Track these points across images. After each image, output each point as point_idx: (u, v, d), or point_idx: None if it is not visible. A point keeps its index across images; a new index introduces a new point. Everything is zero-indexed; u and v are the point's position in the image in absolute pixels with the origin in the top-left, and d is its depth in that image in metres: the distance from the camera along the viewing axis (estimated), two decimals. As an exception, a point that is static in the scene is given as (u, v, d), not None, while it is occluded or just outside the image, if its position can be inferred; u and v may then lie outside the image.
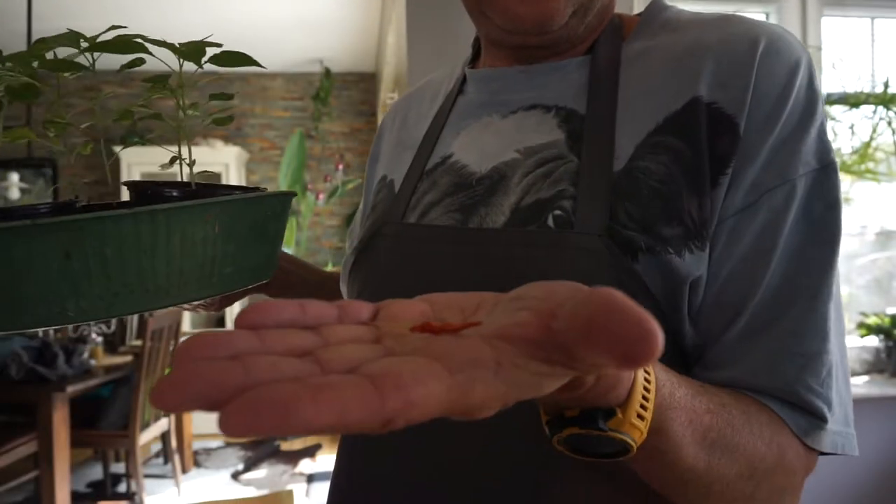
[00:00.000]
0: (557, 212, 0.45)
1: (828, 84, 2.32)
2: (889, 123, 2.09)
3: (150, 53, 0.42)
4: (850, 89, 2.22)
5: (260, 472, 3.48)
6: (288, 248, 4.05)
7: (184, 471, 3.42)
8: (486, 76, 0.57)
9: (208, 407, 0.17)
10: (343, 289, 0.64)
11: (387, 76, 3.74)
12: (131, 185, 0.44)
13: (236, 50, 0.45)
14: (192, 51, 0.42)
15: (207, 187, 0.42)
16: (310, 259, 4.79)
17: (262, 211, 0.42)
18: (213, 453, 3.82)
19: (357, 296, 0.57)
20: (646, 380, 0.32)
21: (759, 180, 0.44)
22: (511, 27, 0.50)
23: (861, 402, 2.19)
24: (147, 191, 0.42)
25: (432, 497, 0.46)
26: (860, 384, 2.21)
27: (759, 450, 0.40)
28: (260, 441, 4.02)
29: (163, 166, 0.49)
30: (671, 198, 0.44)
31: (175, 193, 0.41)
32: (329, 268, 4.24)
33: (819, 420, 0.43)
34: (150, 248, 0.36)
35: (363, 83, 4.90)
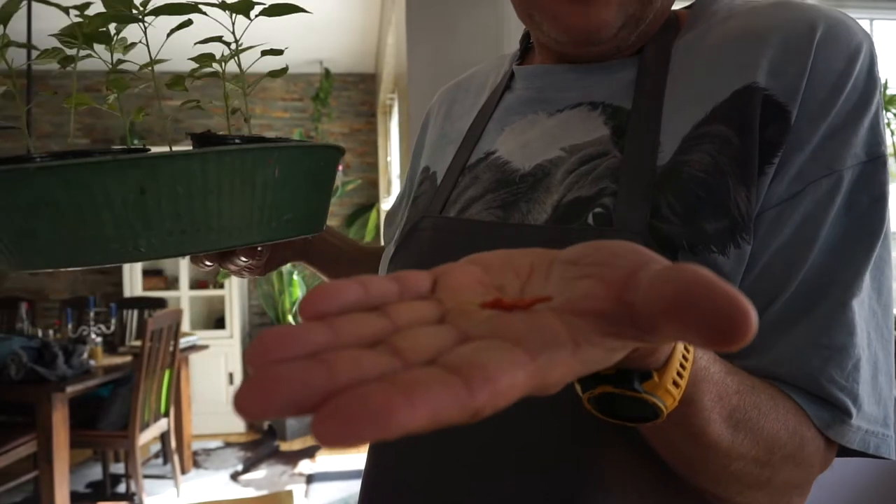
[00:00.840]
0: (598, 209, 0.45)
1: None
2: (888, 125, 2.09)
3: (203, 13, 0.45)
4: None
5: (259, 473, 3.48)
6: (287, 249, 4.06)
7: (183, 471, 3.42)
8: (534, 73, 0.56)
9: (296, 413, 0.17)
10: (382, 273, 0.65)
11: (386, 77, 3.74)
12: (195, 137, 0.46)
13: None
14: (241, 5, 0.44)
15: (265, 139, 0.44)
16: (309, 259, 4.79)
17: (317, 160, 0.44)
18: (213, 454, 3.82)
19: None
20: (685, 348, 0.32)
21: (805, 170, 0.43)
22: (559, 36, 0.49)
23: None
24: (211, 139, 0.44)
25: (459, 491, 0.46)
26: None
27: (781, 437, 0.40)
28: (259, 442, 4.02)
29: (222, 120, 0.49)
30: (717, 188, 0.43)
31: (237, 140, 0.43)
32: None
33: (842, 413, 0.42)
34: (216, 189, 0.37)
35: (363, 84, 4.90)
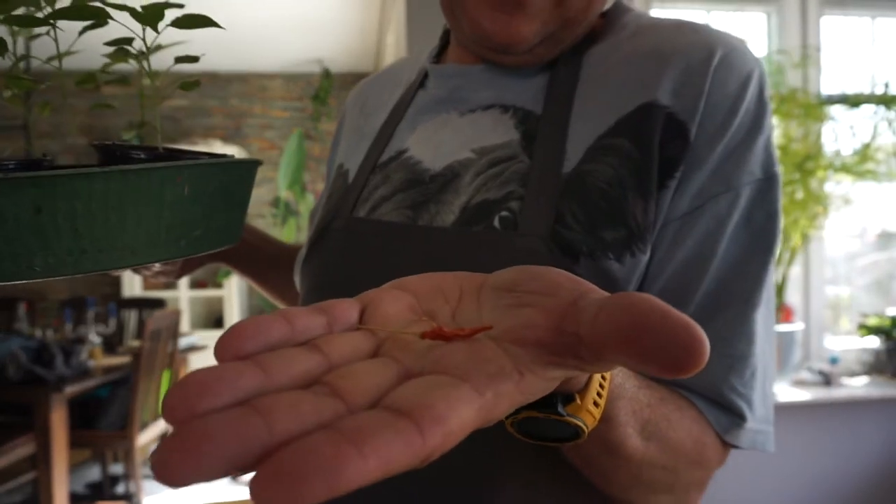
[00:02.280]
0: (504, 213, 0.46)
1: (828, 84, 2.32)
2: (889, 124, 2.09)
3: (112, 18, 0.41)
4: (850, 89, 2.22)
5: (259, 473, 3.47)
6: (287, 249, 4.05)
7: (182, 472, 3.41)
8: (448, 72, 0.56)
9: (230, 475, 0.15)
10: (296, 279, 0.64)
11: (386, 76, 3.74)
12: (99, 147, 0.43)
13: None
14: (150, 14, 0.41)
15: (174, 151, 0.42)
16: (309, 259, 4.78)
17: (230, 176, 0.42)
18: (212, 454, 3.82)
19: (308, 288, 0.56)
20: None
21: (705, 186, 0.45)
22: (477, 40, 0.50)
23: (861, 404, 2.19)
24: (115, 152, 0.42)
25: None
26: (860, 385, 2.21)
27: (686, 444, 0.42)
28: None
29: (132, 129, 0.47)
30: (617, 199, 0.44)
31: (143, 156, 0.41)
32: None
33: (739, 419, 0.45)
34: (120, 207, 0.36)
35: (362, 83, 4.90)
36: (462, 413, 0.17)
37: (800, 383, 2.20)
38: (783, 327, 2.08)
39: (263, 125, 4.82)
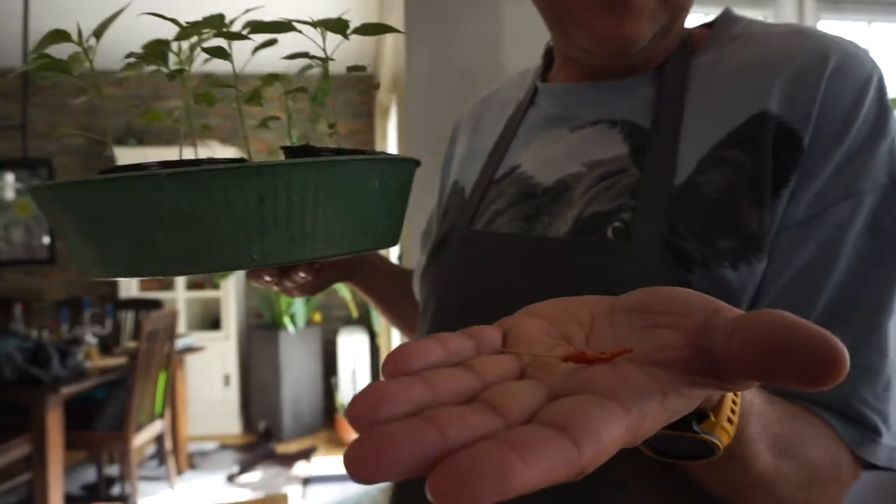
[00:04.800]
0: (617, 224, 0.47)
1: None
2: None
3: (299, 31, 0.46)
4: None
5: (255, 475, 3.46)
6: (284, 250, 4.04)
7: (178, 473, 3.40)
8: (557, 90, 0.58)
9: (410, 476, 0.17)
10: (415, 288, 0.69)
11: (384, 78, 3.74)
12: (287, 149, 0.48)
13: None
14: (335, 24, 0.45)
15: (361, 151, 0.46)
16: (306, 261, 4.77)
17: (404, 172, 0.45)
18: (209, 455, 3.81)
19: (427, 297, 0.59)
20: None
21: (823, 194, 0.44)
22: (594, 48, 0.50)
23: None
24: (308, 151, 0.45)
25: None
26: None
27: (822, 461, 0.41)
28: (255, 444, 4.00)
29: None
30: (730, 208, 0.44)
31: (330, 154, 0.44)
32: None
33: (872, 433, 0.43)
34: (325, 200, 0.38)
35: (360, 84, 4.90)
36: (613, 430, 0.19)
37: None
38: None
39: (261, 126, 4.82)
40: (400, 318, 0.79)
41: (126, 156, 4.19)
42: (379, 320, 4.30)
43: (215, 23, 0.45)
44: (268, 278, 0.59)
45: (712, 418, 0.31)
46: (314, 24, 0.44)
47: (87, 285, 4.53)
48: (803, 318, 0.35)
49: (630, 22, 0.48)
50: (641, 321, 0.24)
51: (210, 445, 4.00)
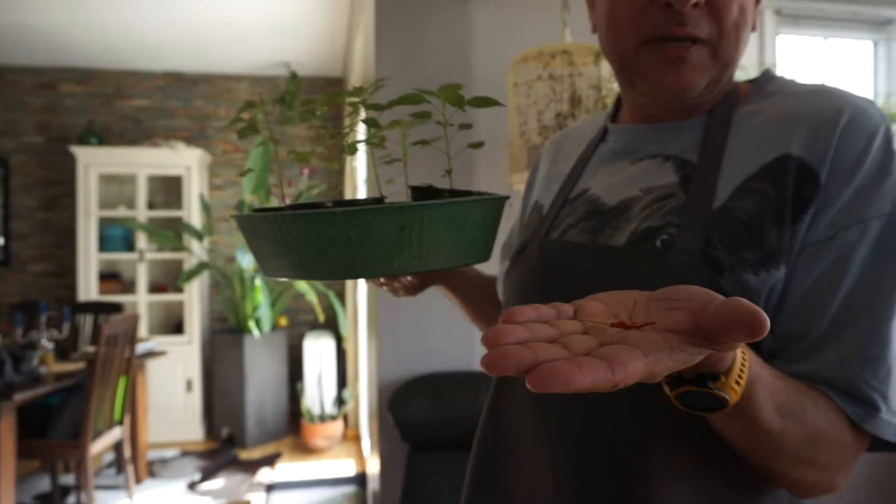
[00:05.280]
0: (664, 236, 0.59)
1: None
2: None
3: (428, 101, 0.60)
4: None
5: (217, 482, 3.40)
6: (251, 255, 3.98)
7: (138, 481, 3.32)
8: (623, 130, 0.71)
9: (516, 373, 0.31)
10: (498, 288, 0.86)
11: (354, 81, 3.72)
12: (415, 189, 0.63)
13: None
14: (452, 96, 0.59)
15: (468, 192, 0.61)
16: (273, 264, 4.71)
17: (497, 207, 0.60)
18: (169, 463, 3.72)
19: (510, 294, 0.74)
20: (742, 359, 0.44)
21: (837, 220, 0.55)
22: (656, 94, 0.63)
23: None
24: (427, 190, 0.62)
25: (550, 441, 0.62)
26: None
27: (822, 427, 0.52)
28: (217, 450, 3.93)
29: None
30: (755, 229, 0.56)
31: (448, 193, 0.60)
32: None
33: (873, 409, 0.53)
34: (444, 228, 0.53)
35: (330, 88, 4.87)
36: (636, 364, 0.31)
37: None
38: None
39: (228, 128, 4.75)
40: (480, 315, 0.95)
41: (86, 155, 4.08)
42: (346, 324, 4.27)
43: (360, 93, 0.61)
44: (382, 280, 0.75)
45: (723, 379, 0.43)
46: (439, 95, 0.59)
47: (43, 288, 4.39)
48: (817, 319, 0.52)
49: (685, 74, 0.60)
50: (664, 305, 0.37)
51: (171, 452, 3.91)
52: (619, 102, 0.77)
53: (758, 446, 0.52)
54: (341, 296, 4.64)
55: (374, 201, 0.59)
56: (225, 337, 4.10)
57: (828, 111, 0.57)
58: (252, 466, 3.64)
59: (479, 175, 2.06)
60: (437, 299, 2.08)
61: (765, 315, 0.31)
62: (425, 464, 1.88)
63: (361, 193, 3.40)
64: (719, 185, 0.59)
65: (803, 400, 0.51)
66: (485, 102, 0.59)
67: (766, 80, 0.66)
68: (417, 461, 1.88)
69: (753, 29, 0.64)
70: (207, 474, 3.50)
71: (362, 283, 3.75)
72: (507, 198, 0.62)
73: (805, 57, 2.52)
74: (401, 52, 2.02)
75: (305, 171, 4.66)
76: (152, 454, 3.81)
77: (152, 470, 3.56)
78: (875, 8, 2.53)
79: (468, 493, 0.72)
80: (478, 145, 0.65)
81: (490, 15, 2.08)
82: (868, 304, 0.53)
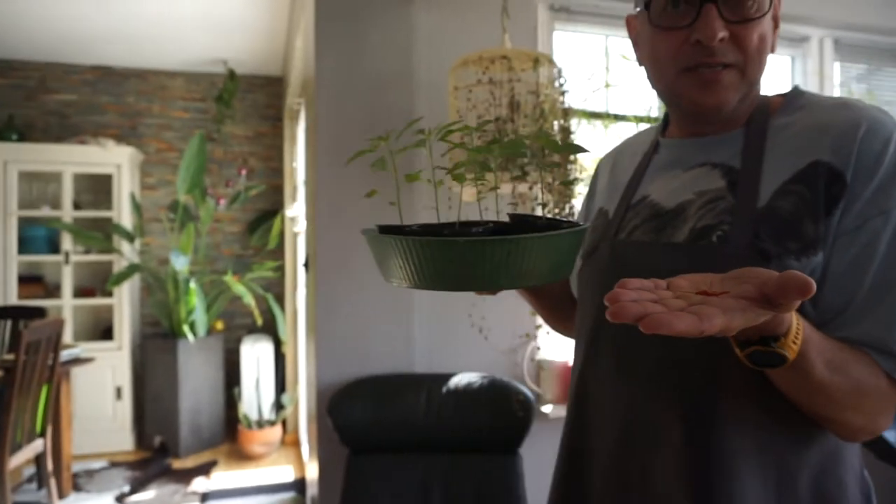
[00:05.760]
0: (719, 233, 0.71)
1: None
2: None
3: (528, 147, 0.64)
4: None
5: (149, 494, 3.27)
6: (185, 256, 3.85)
7: (61, 496, 3.15)
8: (673, 144, 0.85)
9: (632, 320, 0.43)
10: (572, 283, 1.00)
11: (294, 81, 3.67)
12: (514, 217, 0.75)
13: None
14: (512, 148, 0.69)
15: (554, 220, 0.73)
16: (209, 267, 4.58)
17: (582, 235, 0.71)
18: (96, 475, 3.55)
19: (583, 290, 0.86)
20: (797, 324, 0.56)
21: (862, 212, 0.67)
22: (698, 112, 0.76)
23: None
24: (526, 218, 0.74)
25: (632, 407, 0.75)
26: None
27: (864, 377, 0.64)
28: (149, 460, 3.78)
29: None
30: (795, 223, 0.68)
31: (544, 223, 0.71)
32: (229, 276, 4.07)
33: None
34: (540, 252, 0.64)
35: (269, 87, 4.78)
36: (717, 318, 0.44)
37: None
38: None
39: (162, 125, 4.59)
40: (553, 311, 1.07)
41: (4, 152, 3.85)
42: (285, 328, 4.19)
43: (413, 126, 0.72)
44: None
45: (783, 339, 0.55)
46: (498, 148, 0.68)
47: (-44, 292, 4.12)
48: (854, 293, 0.68)
49: (720, 93, 0.73)
50: (736, 281, 0.49)
51: (98, 464, 3.74)
52: (666, 119, 0.90)
53: (812, 396, 0.63)
54: (280, 299, 4.56)
55: (488, 230, 0.70)
56: (157, 342, 3.95)
57: (849, 122, 0.69)
58: (186, 476, 3.52)
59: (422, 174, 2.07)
60: (378, 302, 2.08)
61: (812, 280, 0.43)
62: (365, 467, 1.86)
63: (302, 194, 3.34)
64: (762, 188, 0.71)
65: (847, 358, 0.63)
66: (574, 148, 0.72)
67: (796, 96, 0.78)
68: (357, 465, 1.87)
69: (772, 50, 0.76)
70: (137, 486, 3.36)
71: (301, 286, 3.69)
72: (588, 227, 0.75)
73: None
74: (341, 52, 2.01)
75: (243, 172, 4.55)
76: (77, 466, 3.63)
77: (77, 483, 3.39)
78: (793, 26, 2.69)
79: (565, 439, 0.86)
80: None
81: (432, 18, 2.09)
82: (894, 281, 0.66)
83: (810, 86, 2.73)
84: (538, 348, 2.19)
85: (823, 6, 2.67)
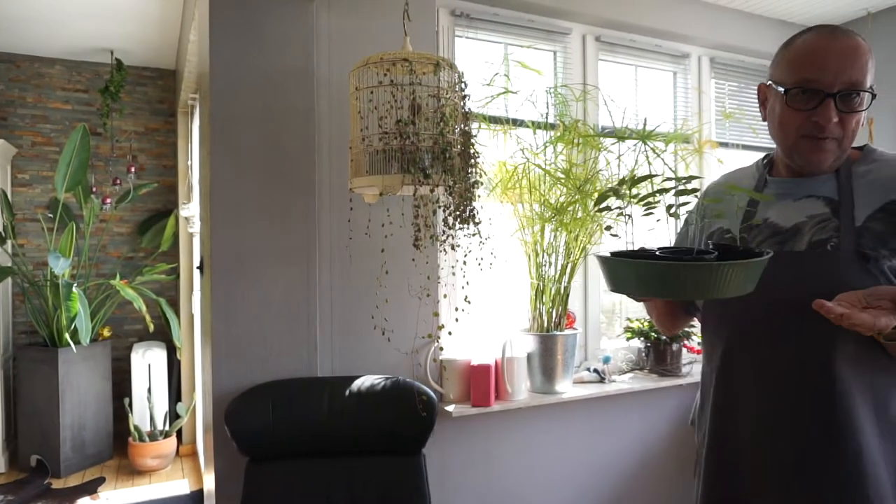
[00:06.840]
0: (832, 243, 1.04)
1: (603, 117, 2.66)
2: (647, 156, 2.44)
3: (651, 178, 0.99)
4: (619, 124, 2.56)
5: (24, 517, 3.00)
6: (66, 259, 3.57)
7: (-83, 525, 2.83)
8: (783, 182, 1.17)
9: (835, 319, 0.87)
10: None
11: (188, 75, 3.50)
12: (716, 246, 0.98)
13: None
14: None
15: (748, 249, 0.95)
16: (94, 270, 4.27)
17: (766, 262, 0.92)
18: (-39, 500, 3.22)
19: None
20: None
21: None
22: (803, 164, 1.10)
23: (626, 396, 2.52)
24: (728, 247, 0.97)
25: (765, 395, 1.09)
26: (626, 380, 2.54)
27: None
28: (24, 481, 3.47)
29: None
30: (885, 236, 1.02)
31: (740, 249, 0.95)
32: (117, 279, 3.81)
33: None
34: (740, 275, 0.86)
35: (162, 80, 4.53)
36: (866, 320, 0.86)
37: (580, 382, 2.48)
38: (568, 332, 2.32)
39: (38, 116, 4.24)
40: (670, 315, 1.33)
41: None
42: (180, 333, 3.99)
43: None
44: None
45: None
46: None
47: None
48: None
49: (824, 157, 1.07)
50: (876, 297, 0.89)
51: (-37, 488, 3.39)
52: (770, 163, 1.23)
53: None
54: (174, 303, 4.33)
55: (699, 258, 0.89)
56: (33, 352, 3.64)
57: None
58: (68, 496, 3.27)
59: (322, 178, 2.04)
60: (278, 305, 2.03)
61: None
62: (265, 475, 1.82)
63: (197, 193, 3.20)
64: (856, 214, 1.04)
65: None
66: (692, 178, 0.97)
67: (870, 151, 1.12)
68: (256, 473, 1.81)
69: (858, 127, 1.09)
70: (10, 509, 3.08)
71: (196, 289, 3.52)
72: (771, 256, 0.95)
73: (621, 82, 2.81)
74: (238, 47, 1.94)
75: (133, 169, 4.28)
76: (-62, 492, 3.28)
77: (-63, 510, 3.06)
78: (674, 43, 2.89)
79: (710, 424, 1.17)
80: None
81: (333, 16, 2.07)
82: None
83: (690, 100, 2.95)
84: (441, 349, 2.22)
85: (701, 26, 2.89)
